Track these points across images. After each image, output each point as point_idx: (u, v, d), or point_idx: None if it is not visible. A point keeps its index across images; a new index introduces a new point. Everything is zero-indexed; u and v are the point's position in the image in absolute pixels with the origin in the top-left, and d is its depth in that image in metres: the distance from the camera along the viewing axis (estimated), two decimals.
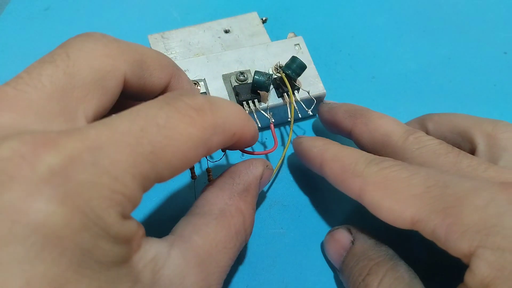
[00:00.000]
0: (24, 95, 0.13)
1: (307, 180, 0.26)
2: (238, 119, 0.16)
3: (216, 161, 0.26)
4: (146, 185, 0.13)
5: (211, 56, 0.27)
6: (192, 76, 0.26)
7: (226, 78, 0.26)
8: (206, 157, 0.24)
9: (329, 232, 0.22)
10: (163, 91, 0.18)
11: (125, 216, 0.13)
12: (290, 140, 0.24)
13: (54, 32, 0.34)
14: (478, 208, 0.15)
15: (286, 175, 0.26)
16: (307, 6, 0.37)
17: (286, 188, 0.25)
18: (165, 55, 0.18)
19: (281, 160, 0.24)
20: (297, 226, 0.24)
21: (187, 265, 0.15)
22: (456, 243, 0.15)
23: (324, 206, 0.25)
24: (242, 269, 0.22)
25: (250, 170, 0.19)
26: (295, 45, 0.28)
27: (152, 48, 0.29)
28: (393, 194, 0.17)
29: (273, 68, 0.26)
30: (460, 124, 0.22)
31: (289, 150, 0.27)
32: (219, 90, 0.26)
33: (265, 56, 0.28)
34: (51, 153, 0.11)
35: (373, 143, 0.22)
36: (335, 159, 0.20)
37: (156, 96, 0.17)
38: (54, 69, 0.14)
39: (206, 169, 0.22)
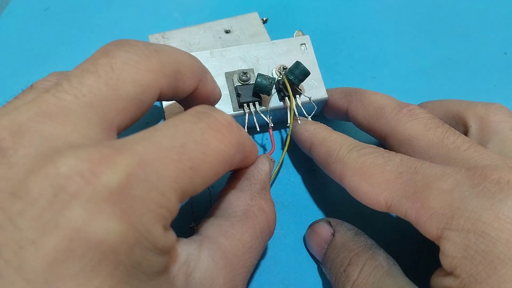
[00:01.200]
0: (64, 103, 0.13)
1: (307, 181, 0.26)
2: (250, 141, 0.18)
3: None
4: (183, 198, 0.14)
5: (215, 51, 0.27)
6: None
7: (228, 76, 0.26)
8: None
9: (310, 225, 0.22)
10: (190, 94, 0.19)
11: (167, 228, 0.13)
12: (288, 145, 0.24)
13: (54, 32, 0.34)
14: (444, 192, 0.16)
15: (286, 176, 0.26)
16: (307, 7, 0.37)
17: (286, 188, 0.25)
18: (196, 59, 0.19)
19: (280, 163, 0.24)
20: (297, 226, 0.24)
21: (216, 267, 0.15)
22: (425, 226, 0.16)
23: (325, 206, 0.25)
24: None
25: (261, 168, 0.20)
26: (301, 44, 0.28)
27: None
28: (369, 179, 0.18)
29: (276, 70, 0.26)
30: (453, 108, 0.23)
31: (287, 152, 0.27)
32: (221, 88, 0.25)
33: (270, 55, 0.27)
34: (108, 171, 0.12)
35: (368, 117, 0.23)
36: (322, 144, 0.21)
37: (182, 99, 0.18)
38: (96, 80, 0.14)
39: None
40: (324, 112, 0.27)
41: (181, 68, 0.17)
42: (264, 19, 0.32)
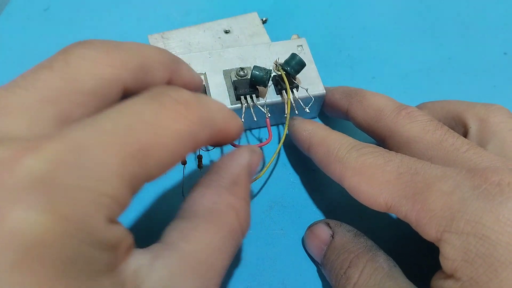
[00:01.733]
0: (14, 97, 0.13)
1: (307, 181, 0.26)
2: (223, 113, 0.16)
3: (208, 150, 0.26)
4: (135, 185, 0.13)
5: (213, 52, 0.28)
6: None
7: (226, 73, 0.27)
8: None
9: (309, 227, 0.22)
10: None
11: (112, 220, 0.12)
12: (286, 135, 0.24)
13: (54, 32, 0.34)
14: (444, 194, 0.15)
15: (286, 176, 0.26)
16: (307, 7, 0.37)
17: (286, 188, 0.25)
18: (165, 51, 0.18)
19: (276, 153, 0.24)
20: (296, 227, 0.24)
21: (173, 276, 0.14)
22: (425, 228, 0.16)
23: (324, 207, 0.25)
24: (242, 270, 0.22)
25: (235, 161, 0.17)
26: (298, 46, 0.28)
27: None
28: (369, 179, 0.18)
29: (274, 67, 0.26)
30: (453, 109, 0.23)
31: (285, 145, 0.27)
32: (219, 85, 0.26)
33: (267, 55, 0.28)
34: (31, 157, 0.11)
35: (367, 119, 0.23)
36: (321, 144, 0.21)
37: None
38: (50, 74, 0.14)
39: (197, 155, 0.23)
40: (325, 110, 0.27)
41: (147, 61, 0.16)
42: (264, 19, 0.32)
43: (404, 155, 0.18)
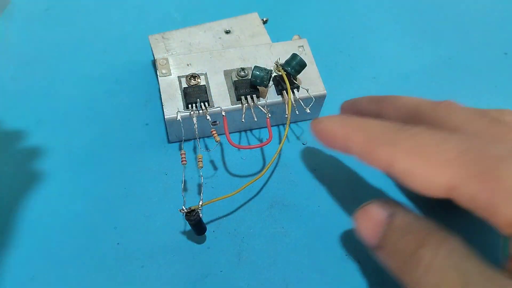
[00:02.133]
0: None
1: (308, 180, 0.26)
2: None
3: (208, 150, 0.26)
4: None
5: (214, 52, 0.28)
6: (194, 70, 0.27)
7: (227, 74, 0.27)
8: (199, 146, 0.26)
9: (361, 207, 0.20)
10: None
11: None
12: (287, 134, 0.24)
13: (54, 33, 0.34)
14: None
15: (286, 175, 0.26)
16: (307, 7, 0.37)
17: (287, 188, 0.25)
18: None
19: (277, 153, 0.24)
20: (297, 225, 0.24)
21: None
22: (501, 209, 0.14)
23: (325, 205, 0.25)
24: (243, 268, 0.22)
25: None
26: (299, 46, 0.28)
27: (153, 48, 0.29)
28: (426, 160, 0.16)
29: (274, 67, 0.26)
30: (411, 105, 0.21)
31: (285, 145, 0.27)
32: (219, 85, 0.26)
33: (268, 56, 0.28)
34: None
35: (402, 118, 0.21)
36: (360, 130, 0.19)
37: None
38: None
39: (197, 155, 0.23)
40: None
41: None
42: (264, 19, 0.32)
43: (460, 133, 0.17)
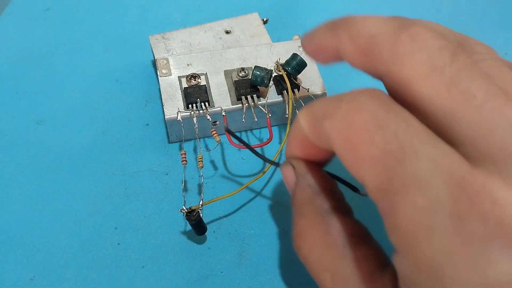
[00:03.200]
0: None
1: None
2: None
3: (209, 150, 0.26)
4: None
5: (214, 52, 0.28)
6: (194, 70, 0.27)
7: (227, 73, 0.27)
8: (199, 146, 0.26)
9: (282, 164, 0.18)
10: None
11: None
12: (287, 135, 0.24)
13: (54, 33, 0.33)
14: (415, 211, 0.11)
15: None
16: (308, 7, 0.37)
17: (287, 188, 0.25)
18: None
19: (278, 153, 0.24)
20: None
21: None
22: (391, 237, 0.12)
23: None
24: (244, 269, 0.22)
25: None
26: (299, 46, 0.28)
27: (153, 48, 0.29)
28: (353, 149, 0.13)
29: (275, 67, 0.26)
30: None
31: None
32: (220, 85, 0.26)
33: (269, 56, 0.28)
34: None
35: (358, 54, 0.15)
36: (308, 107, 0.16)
37: None
38: None
39: (198, 155, 0.23)
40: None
41: None
42: (265, 19, 0.32)
43: (409, 116, 0.13)
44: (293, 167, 0.17)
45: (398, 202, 0.12)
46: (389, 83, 0.14)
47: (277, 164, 0.20)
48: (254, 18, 0.32)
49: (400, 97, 0.14)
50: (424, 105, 0.13)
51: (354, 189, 0.19)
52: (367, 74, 0.16)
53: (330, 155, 0.17)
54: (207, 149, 0.27)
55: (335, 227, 0.15)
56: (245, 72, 0.26)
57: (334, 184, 0.18)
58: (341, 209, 0.16)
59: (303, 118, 0.16)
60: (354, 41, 0.15)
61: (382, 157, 0.12)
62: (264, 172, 0.24)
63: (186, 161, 0.23)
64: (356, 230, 0.15)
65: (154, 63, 0.31)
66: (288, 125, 0.24)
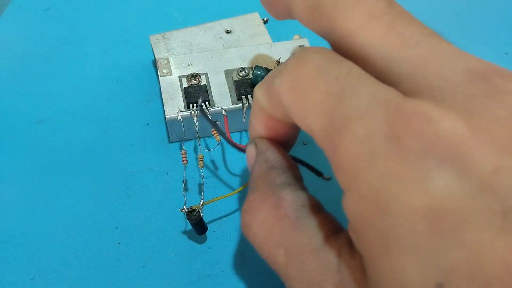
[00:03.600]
0: None
1: (308, 180, 0.26)
2: None
3: (209, 150, 0.26)
4: None
5: (215, 52, 0.28)
6: (195, 69, 0.27)
7: (228, 73, 0.27)
8: (200, 145, 0.26)
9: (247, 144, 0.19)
10: None
11: None
12: None
13: (55, 33, 0.33)
14: (356, 141, 0.12)
15: None
16: None
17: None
18: None
19: None
20: None
21: None
22: (338, 180, 0.13)
23: (326, 204, 0.24)
24: (244, 268, 0.22)
25: None
26: (300, 46, 0.28)
27: (154, 48, 0.29)
28: (300, 98, 0.14)
29: (275, 67, 0.26)
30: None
31: None
32: (220, 84, 0.26)
33: (269, 55, 0.28)
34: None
35: (306, 9, 0.16)
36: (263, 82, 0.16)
37: None
38: None
39: (198, 155, 0.24)
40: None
41: None
42: (265, 19, 0.32)
43: (351, 64, 0.13)
44: (256, 145, 0.18)
45: (341, 138, 0.12)
46: (333, 38, 0.15)
47: None
48: (255, 18, 0.32)
49: (343, 51, 0.14)
50: (365, 53, 0.14)
51: (318, 173, 0.19)
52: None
53: (291, 131, 0.17)
54: (208, 148, 0.27)
55: (287, 199, 0.15)
56: (245, 72, 0.26)
57: (294, 164, 0.18)
58: (295, 185, 0.16)
59: (258, 90, 0.16)
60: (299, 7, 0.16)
61: (325, 99, 0.13)
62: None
63: (186, 160, 0.23)
64: (308, 202, 0.15)
65: (154, 62, 0.31)
66: None
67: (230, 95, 0.26)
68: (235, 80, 0.26)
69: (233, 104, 0.26)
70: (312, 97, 0.13)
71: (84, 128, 0.27)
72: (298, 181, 0.17)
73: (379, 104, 0.12)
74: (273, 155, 0.17)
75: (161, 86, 0.26)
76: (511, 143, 0.11)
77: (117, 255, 0.22)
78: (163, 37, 0.30)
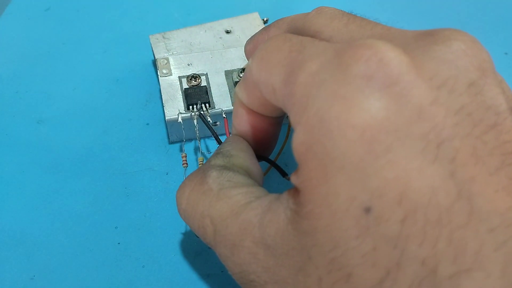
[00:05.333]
0: None
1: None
2: None
3: (211, 152, 0.26)
4: None
5: (215, 52, 0.28)
6: (195, 70, 0.27)
7: (228, 74, 0.27)
8: (200, 148, 0.26)
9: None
10: None
11: None
12: (288, 134, 0.24)
13: (55, 33, 0.33)
14: (309, 75, 0.13)
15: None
16: (308, 7, 0.36)
17: (286, 188, 0.25)
18: None
19: (279, 153, 0.24)
20: None
21: None
22: (290, 117, 0.13)
23: None
24: None
25: None
26: None
27: (153, 48, 0.29)
28: (266, 63, 0.15)
29: None
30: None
31: (287, 145, 0.27)
32: (220, 85, 0.26)
33: None
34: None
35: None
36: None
37: None
38: None
39: (198, 158, 0.24)
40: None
41: None
42: (265, 19, 0.32)
43: (307, 37, 0.15)
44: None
45: (296, 77, 0.13)
46: None
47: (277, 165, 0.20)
48: (255, 18, 0.31)
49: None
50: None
51: (283, 173, 0.20)
52: None
53: (270, 127, 0.19)
54: (208, 150, 0.27)
55: (211, 175, 0.16)
56: None
57: (254, 162, 0.18)
58: (232, 169, 0.17)
59: (237, 86, 0.18)
60: (279, 28, 0.19)
61: (287, 55, 0.14)
62: (265, 173, 0.24)
63: (187, 164, 0.23)
64: (236, 180, 0.16)
65: (154, 62, 0.31)
66: (289, 126, 0.24)
67: (230, 96, 0.26)
68: (235, 81, 0.26)
69: (233, 105, 0.25)
70: (276, 58, 0.14)
71: (84, 128, 0.27)
72: (248, 172, 0.17)
73: (332, 46, 0.13)
74: (228, 146, 0.18)
75: (161, 86, 0.26)
76: (454, 82, 0.12)
77: (117, 255, 0.22)
78: (163, 37, 0.30)
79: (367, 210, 0.11)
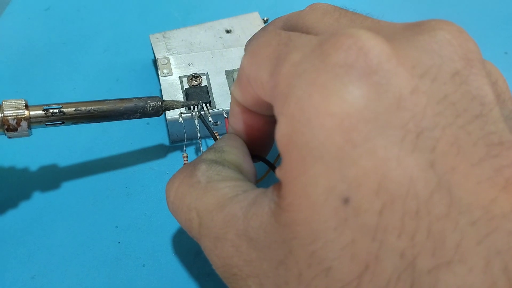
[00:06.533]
0: None
1: None
2: None
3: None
4: None
5: (215, 51, 0.28)
6: (195, 69, 0.27)
7: (229, 74, 0.27)
8: (201, 147, 0.25)
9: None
10: None
11: None
12: None
13: (55, 32, 0.34)
14: (292, 65, 0.13)
15: None
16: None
17: None
18: None
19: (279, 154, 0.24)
20: None
21: None
22: (275, 108, 0.13)
23: None
24: None
25: None
26: None
27: (154, 48, 0.29)
28: (255, 58, 0.15)
29: None
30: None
31: None
32: (221, 85, 0.26)
33: None
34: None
35: None
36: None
37: None
38: None
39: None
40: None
41: None
42: (265, 19, 0.32)
43: (296, 32, 0.15)
44: None
45: (280, 68, 0.13)
46: None
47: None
48: (255, 17, 0.32)
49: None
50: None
51: (274, 168, 0.20)
52: None
53: (266, 126, 0.18)
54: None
55: (200, 169, 0.16)
56: None
57: (248, 160, 0.18)
58: (223, 164, 0.17)
59: (233, 85, 0.17)
60: (275, 26, 0.19)
61: (275, 49, 0.14)
62: (266, 174, 0.23)
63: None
64: (225, 175, 0.16)
65: (154, 62, 0.31)
66: None
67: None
68: None
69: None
70: (265, 52, 0.14)
71: (84, 127, 0.27)
72: (240, 169, 0.17)
73: (317, 38, 0.13)
74: (222, 142, 0.18)
75: (161, 86, 0.26)
76: (437, 71, 0.11)
77: (117, 254, 0.22)
78: (163, 36, 0.30)
79: (346, 200, 0.11)
